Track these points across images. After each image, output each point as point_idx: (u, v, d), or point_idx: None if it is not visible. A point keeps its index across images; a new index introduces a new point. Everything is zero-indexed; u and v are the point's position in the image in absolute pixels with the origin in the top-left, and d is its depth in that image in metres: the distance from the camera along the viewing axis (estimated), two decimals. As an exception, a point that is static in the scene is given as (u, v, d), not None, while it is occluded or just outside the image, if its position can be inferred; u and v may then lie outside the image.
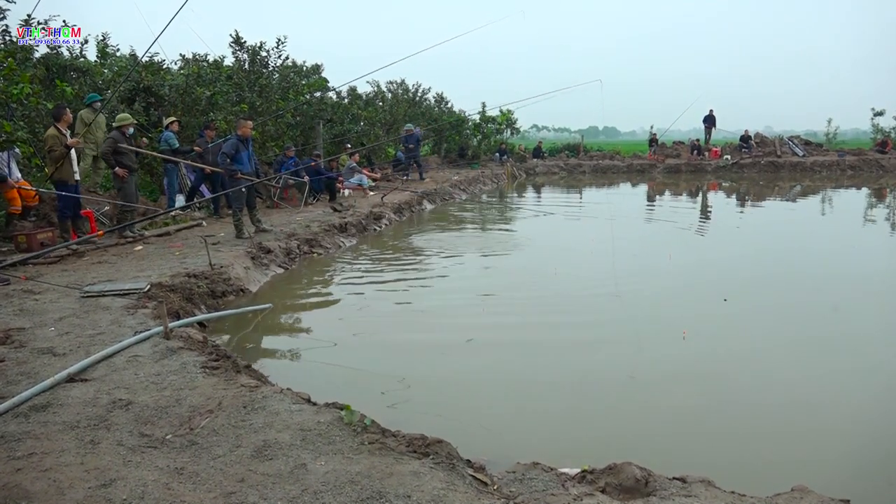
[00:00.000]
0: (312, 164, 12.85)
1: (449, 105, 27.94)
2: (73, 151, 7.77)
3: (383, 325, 5.89)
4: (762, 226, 12.21)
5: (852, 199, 17.35)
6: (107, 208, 9.43)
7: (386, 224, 11.96)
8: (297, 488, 2.57)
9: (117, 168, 8.36)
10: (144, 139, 8.84)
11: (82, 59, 11.82)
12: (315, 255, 8.88)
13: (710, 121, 27.71)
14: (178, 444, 2.97)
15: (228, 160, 8.72)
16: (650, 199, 18.44)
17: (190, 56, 14.96)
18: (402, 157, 20.26)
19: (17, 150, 8.20)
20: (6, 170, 8.10)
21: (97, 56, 12.75)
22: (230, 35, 14.39)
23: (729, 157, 26.28)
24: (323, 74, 20.20)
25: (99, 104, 9.52)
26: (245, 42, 14.51)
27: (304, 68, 19.13)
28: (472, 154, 27.04)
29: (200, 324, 5.34)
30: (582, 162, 28.36)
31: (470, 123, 27.45)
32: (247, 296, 6.65)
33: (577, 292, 7.03)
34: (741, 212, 14.55)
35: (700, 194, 19.18)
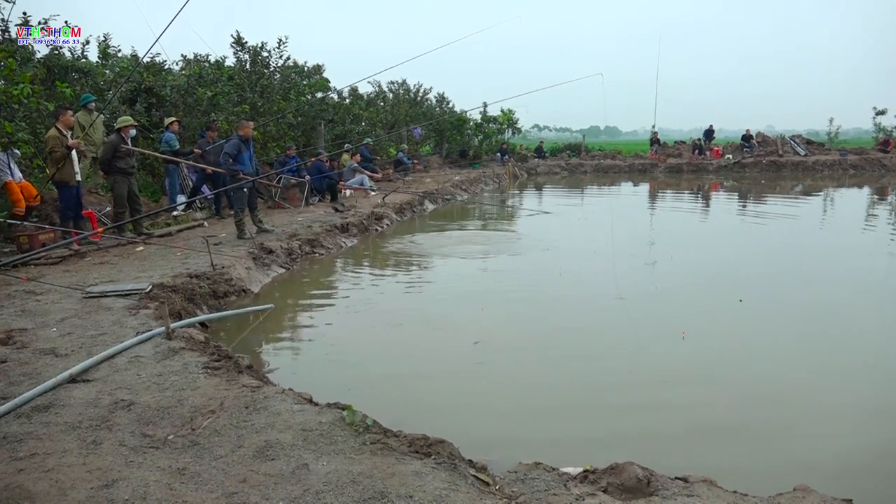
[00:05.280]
0: (312, 158, 12.86)
1: (450, 105, 27.98)
2: (74, 152, 7.79)
3: (385, 326, 5.88)
4: (763, 225, 12.19)
5: (854, 199, 17.32)
6: (108, 209, 9.44)
7: (387, 224, 11.96)
8: (298, 489, 2.57)
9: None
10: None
11: (84, 60, 11.81)
12: (316, 255, 8.88)
13: (708, 135, 28.46)
14: (180, 444, 2.97)
15: (230, 160, 8.73)
16: (651, 198, 18.43)
17: (191, 56, 15.00)
18: (403, 157, 20.27)
19: (16, 150, 8.20)
20: (7, 171, 8.11)
21: (99, 57, 12.76)
22: (231, 35, 14.45)
23: (731, 156, 26.26)
24: (324, 75, 20.22)
25: (93, 104, 9.51)
26: (246, 42, 14.54)
27: (306, 68, 19.14)
28: (474, 154, 27.04)
29: (202, 324, 5.34)
30: (583, 162, 28.36)
31: (471, 123, 27.46)
32: (248, 296, 6.65)
33: (579, 293, 7.03)
34: (742, 211, 14.52)
35: (701, 194, 19.15)
